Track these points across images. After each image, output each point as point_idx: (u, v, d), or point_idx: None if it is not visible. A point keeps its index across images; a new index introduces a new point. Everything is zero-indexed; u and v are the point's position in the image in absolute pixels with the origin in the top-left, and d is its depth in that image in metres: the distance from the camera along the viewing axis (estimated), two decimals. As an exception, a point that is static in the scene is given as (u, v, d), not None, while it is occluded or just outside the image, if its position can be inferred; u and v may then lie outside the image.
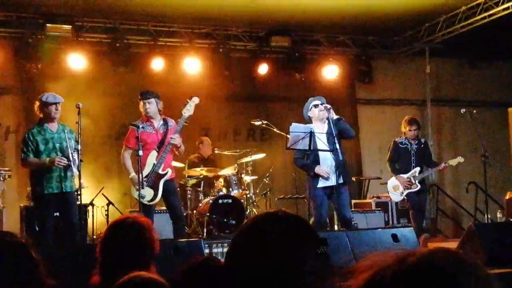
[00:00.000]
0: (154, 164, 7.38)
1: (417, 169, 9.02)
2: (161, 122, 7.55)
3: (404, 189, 8.97)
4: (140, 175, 7.10)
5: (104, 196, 9.38)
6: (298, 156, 7.71)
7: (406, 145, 9.14)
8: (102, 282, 2.93)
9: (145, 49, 11.37)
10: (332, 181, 7.44)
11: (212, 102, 11.46)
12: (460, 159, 9.12)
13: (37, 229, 8.89)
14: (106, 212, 9.50)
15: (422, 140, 9.40)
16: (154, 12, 10.70)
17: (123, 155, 7.51)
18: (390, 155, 9.21)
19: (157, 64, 11.14)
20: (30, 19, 10.61)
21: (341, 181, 7.38)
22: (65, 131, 7.22)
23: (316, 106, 7.69)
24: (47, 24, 10.37)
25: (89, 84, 10.51)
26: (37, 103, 7.13)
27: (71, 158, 7.01)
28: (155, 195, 7.39)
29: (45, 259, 2.10)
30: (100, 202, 9.51)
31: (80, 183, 7.20)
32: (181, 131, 7.54)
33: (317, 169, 7.46)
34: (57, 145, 7.07)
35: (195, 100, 7.59)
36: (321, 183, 7.48)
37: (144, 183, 7.25)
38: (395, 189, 9.09)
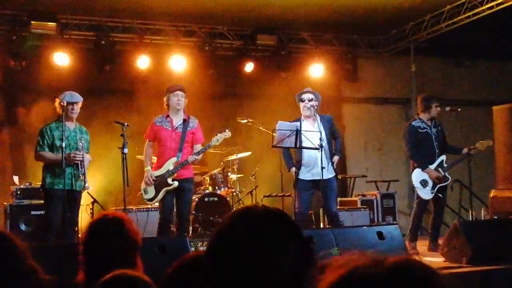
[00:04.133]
0: (168, 170, 7.42)
1: (443, 157, 8.12)
2: (181, 121, 7.54)
3: (435, 184, 8.05)
4: (126, 173, 7.20)
5: (89, 194, 9.31)
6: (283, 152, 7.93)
7: (426, 129, 8.09)
8: (87, 280, 2.92)
9: (130, 47, 11.30)
10: (316, 176, 7.55)
11: (198, 100, 11.40)
12: (488, 142, 8.30)
13: (22, 228, 8.89)
14: (91, 210, 9.46)
15: (438, 122, 8.38)
16: (140, 10, 10.64)
17: (145, 148, 7.63)
18: (411, 142, 8.08)
19: (143, 62, 11.08)
20: (14, 16, 10.52)
21: (326, 176, 7.47)
22: (81, 131, 7.36)
23: (303, 100, 7.74)
24: (31, 21, 10.29)
25: (74, 81, 10.42)
26: (57, 101, 7.19)
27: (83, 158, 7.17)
28: (153, 198, 7.48)
29: (45, 255, 2.10)
30: (85, 201, 9.46)
31: (85, 184, 7.22)
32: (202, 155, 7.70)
33: (292, 170, 7.78)
34: (73, 143, 7.16)
35: (228, 134, 7.76)
36: (304, 176, 7.58)
37: (153, 181, 7.44)
38: (424, 184, 8.04)
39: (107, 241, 2.95)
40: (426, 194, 8.10)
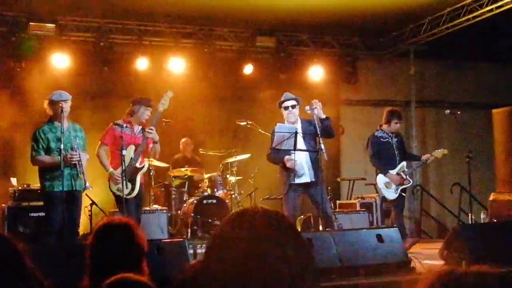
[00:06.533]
0: (131, 158, 7.44)
1: (404, 163, 8.76)
2: (139, 128, 7.64)
3: (398, 186, 8.65)
4: (124, 173, 7.16)
5: (88, 196, 9.29)
6: (271, 152, 7.79)
7: (387, 139, 8.79)
8: (91, 286, 2.93)
9: (129, 48, 11.29)
10: (306, 178, 7.55)
11: (197, 102, 11.42)
12: (444, 150, 8.84)
13: (20, 229, 8.87)
14: (90, 212, 9.44)
15: (399, 133, 9.14)
16: (139, 11, 10.63)
17: (99, 151, 7.56)
18: (373, 150, 8.80)
19: (142, 63, 11.06)
20: (13, 17, 10.51)
21: (316, 178, 7.50)
22: (75, 129, 7.31)
23: (286, 108, 7.73)
24: (30, 23, 10.29)
25: (73, 83, 10.39)
26: (46, 102, 7.17)
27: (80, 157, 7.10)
28: (133, 189, 7.44)
29: (42, 257, 2.09)
30: (83, 202, 9.42)
31: (85, 183, 7.18)
32: (156, 125, 7.59)
33: (286, 158, 7.53)
34: (68, 143, 7.08)
35: (170, 94, 7.69)
36: (295, 180, 7.55)
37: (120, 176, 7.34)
38: (388, 186, 8.70)
39: (113, 246, 2.96)
40: (390, 194, 8.70)
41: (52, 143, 7.04)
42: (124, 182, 7.31)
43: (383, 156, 8.77)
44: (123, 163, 7.19)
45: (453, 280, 1.23)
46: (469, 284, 1.21)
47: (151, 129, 7.44)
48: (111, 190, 7.54)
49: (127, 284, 2.29)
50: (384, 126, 8.86)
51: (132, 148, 7.46)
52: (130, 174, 7.38)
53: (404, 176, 8.66)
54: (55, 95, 7.17)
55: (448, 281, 1.23)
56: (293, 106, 7.73)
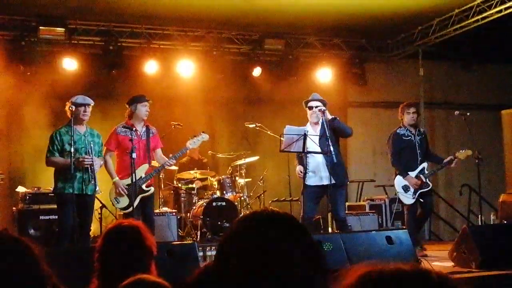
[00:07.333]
0: (141, 177, 7.47)
1: (425, 164, 8.32)
2: (144, 128, 7.66)
3: (416, 190, 8.23)
4: (134, 177, 7.17)
5: (98, 199, 9.32)
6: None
7: (409, 137, 8.31)
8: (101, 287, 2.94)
9: (138, 52, 11.32)
10: (323, 181, 7.52)
11: (206, 104, 11.44)
12: (468, 152, 8.32)
13: (30, 232, 8.91)
14: (100, 215, 9.47)
15: (422, 130, 8.65)
16: (148, 15, 10.67)
17: (105, 157, 7.58)
18: (394, 149, 8.33)
19: (151, 67, 11.09)
20: (23, 21, 10.57)
21: (333, 181, 7.43)
22: (93, 134, 7.38)
23: (310, 108, 7.72)
24: (40, 27, 10.33)
25: (82, 86, 10.44)
26: (68, 104, 7.23)
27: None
28: (129, 206, 7.44)
29: (52, 260, 2.10)
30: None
31: (95, 188, 7.26)
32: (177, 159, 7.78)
33: (297, 170, 7.72)
34: (83, 147, 7.18)
35: (205, 137, 7.79)
36: (311, 182, 7.55)
37: (125, 189, 7.42)
38: (406, 189, 8.26)
39: (123, 249, 2.97)
40: (407, 199, 8.31)
41: (67, 146, 7.10)
42: (126, 194, 7.41)
43: (404, 155, 8.33)
44: (132, 166, 7.20)
45: (372, 280, 1.21)
46: (386, 283, 1.18)
47: (171, 162, 7.59)
48: (109, 197, 7.62)
49: (144, 285, 2.30)
50: (404, 122, 8.44)
51: (145, 167, 7.51)
52: (132, 191, 7.35)
53: (424, 179, 8.24)
54: (78, 98, 7.25)
55: (367, 283, 1.21)
56: (317, 107, 7.70)
